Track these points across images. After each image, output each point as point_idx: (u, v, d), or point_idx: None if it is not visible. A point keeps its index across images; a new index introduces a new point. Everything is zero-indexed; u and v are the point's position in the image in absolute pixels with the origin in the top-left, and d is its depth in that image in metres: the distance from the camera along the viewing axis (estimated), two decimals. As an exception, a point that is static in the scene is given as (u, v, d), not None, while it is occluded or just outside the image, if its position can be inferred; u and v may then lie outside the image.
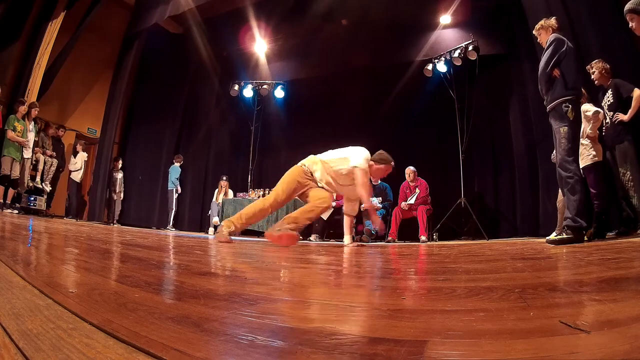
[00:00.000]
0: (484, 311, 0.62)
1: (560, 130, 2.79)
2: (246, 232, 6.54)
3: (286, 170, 3.28)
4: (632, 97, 3.20)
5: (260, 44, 7.59)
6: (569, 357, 0.39)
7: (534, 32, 3.13)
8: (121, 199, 7.55)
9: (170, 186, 7.49)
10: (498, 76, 6.11)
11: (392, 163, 3.40)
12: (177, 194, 7.53)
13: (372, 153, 3.32)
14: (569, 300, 0.73)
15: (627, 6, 2.61)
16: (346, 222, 3.49)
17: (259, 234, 6.25)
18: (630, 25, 2.64)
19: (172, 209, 7.41)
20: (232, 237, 3.09)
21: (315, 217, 3.25)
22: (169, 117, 8.20)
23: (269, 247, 2.65)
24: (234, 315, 0.60)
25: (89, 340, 0.45)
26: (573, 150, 2.79)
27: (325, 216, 5.41)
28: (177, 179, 7.50)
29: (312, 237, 5.36)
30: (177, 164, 7.59)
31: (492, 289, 0.82)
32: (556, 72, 2.83)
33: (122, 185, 7.64)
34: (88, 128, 8.12)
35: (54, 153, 6.56)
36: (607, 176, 3.37)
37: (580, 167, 3.16)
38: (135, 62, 7.90)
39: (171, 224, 7.29)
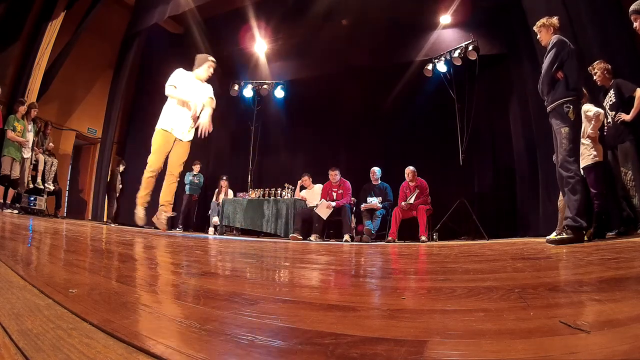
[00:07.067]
0: (484, 311, 0.62)
1: (562, 130, 2.79)
2: (246, 232, 6.55)
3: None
4: (634, 97, 3.20)
5: (260, 44, 7.57)
6: (569, 357, 0.39)
7: (534, 28, 3.12)
8: (116, 197, 7.47)
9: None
10: (498, 76, 6.11)
11: (210, 58, 3.67)
12: (188, 199, 7.25)
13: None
14: (569, 300, 0.73)
15: (632, 7, 2.62)
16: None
17: (259, 233, 6.25)
18: (634, 25, 2.66)
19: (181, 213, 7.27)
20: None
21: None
22: (169, 117, 8.18)
23: (269, 247, 2.65)
24: (234, 315, 0.60)
25: (89, 340, 0.45)
26: (574, 150, 2.78)
27: (324, 216, 5.40)
28: (192, 182, 7.31)
29: (312, 237, 5.35)
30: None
31: (492, 289, 0.82)
32: (559, 75, 2.83)
33: (121, 183, 7.60)
34: (88, 128, 8.12)
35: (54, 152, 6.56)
36: (608, 176, 3.37)
37: (581, 167, 3.15)
38: (135, 62, 7.89)
39: (179, 227, 7.19)
